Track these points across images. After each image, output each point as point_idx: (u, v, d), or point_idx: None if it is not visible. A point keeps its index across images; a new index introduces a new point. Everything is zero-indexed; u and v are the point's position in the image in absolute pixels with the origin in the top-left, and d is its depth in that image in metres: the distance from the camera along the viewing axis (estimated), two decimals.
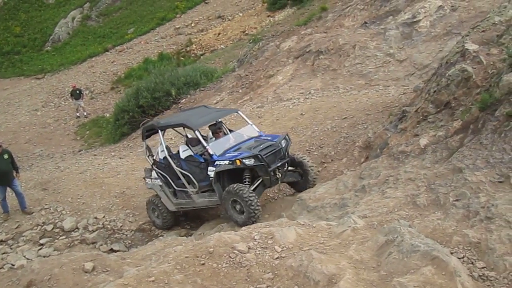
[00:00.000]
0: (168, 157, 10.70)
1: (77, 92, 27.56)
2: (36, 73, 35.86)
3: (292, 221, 6.86)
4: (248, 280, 5.36)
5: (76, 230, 11.76)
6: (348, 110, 13.10)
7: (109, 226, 11.72)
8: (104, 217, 12.00)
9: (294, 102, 15.15)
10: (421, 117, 9.35)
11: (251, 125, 10.81)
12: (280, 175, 9.77)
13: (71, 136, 25.90)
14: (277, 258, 5.60)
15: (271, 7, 30.85)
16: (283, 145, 9.96)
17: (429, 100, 9.30)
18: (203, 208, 11.10)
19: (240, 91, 18.88)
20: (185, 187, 10.54)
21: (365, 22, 17.86)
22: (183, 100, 21.08)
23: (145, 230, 11.60)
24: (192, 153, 10.97)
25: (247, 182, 9.78)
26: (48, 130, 27.06)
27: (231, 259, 5.59)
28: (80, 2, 42.57)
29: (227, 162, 9.63)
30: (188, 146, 11.18)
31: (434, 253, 5.12)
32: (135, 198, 12.67)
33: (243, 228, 6.61)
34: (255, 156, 9.46)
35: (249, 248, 5.74)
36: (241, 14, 33.28)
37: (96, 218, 11.99)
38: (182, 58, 30.62)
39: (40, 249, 11.19)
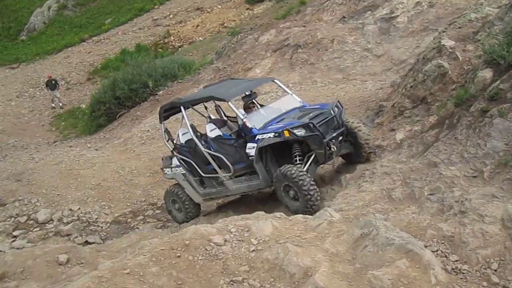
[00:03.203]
0: (195, 138, 9.27)
1: (53, 82, 27.24)
2: (10, 62, 35.19)
3: (268, 214, 6.88)
4: (224, 272, 5.36)
5: (51, 222, 11.60)
6: None
7: (84, 218, 11.60)
8: (79, 209, 11.87)
9: (272, 96, 15.12)
10: (397, 112, 9.43)
11: (291, 94, 9.34)
12: (335, 149, 8.20)
13: (46, 127, 25.56)
14: (253, 250, 5.60)
15: (250, 0, 30.76)
16: (336, 113, 8.46)
17: (406, 95, 9.38)
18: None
19: None
20: (215, 173, 9.14)
21: (344, 17, 17.92)
22: (161, 92, 20.93)
23: (121, 222, 11.51)
24: (221, 133, 9.62)
25: (298, 161, 8.27)
26: (22, 120, 26.67)
27: (207, 252, 5.58)
28: None
29: (272, 134, 8.11)
30: None
31: (409, 247, 5.18)
32: (111, 190, 12.55)
33: (220, 220, 6.59)
34: (306, 126, 7.95)
35: (225, 241, 5.73)
36: (220, 7, 33.12)
37: (71, 210, 11.84)
38: (160, 50, 30.39)
39: (14, 241, 11.01)
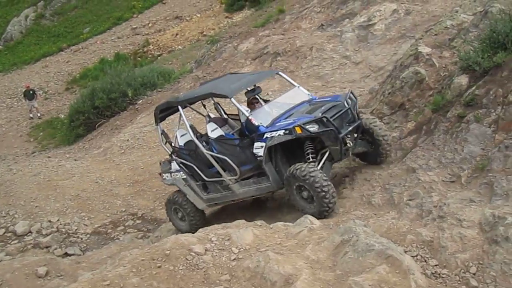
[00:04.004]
0: (195, 140, 8.56)
1: (31, 92, 26.97)
2: None
3: (249, 222, 6.87)
4: (205, 282, 5.33)
5: (29, 234, 11.46)
6: None
7: (63, 230, 11.48)
8: (58, 220, 11.74)
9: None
10: None
11: (298, 87, 8.64)
12: (351, 144, 7.57)
13: (24, 138, 25.27)
14: (234, 259, 5.59)
15: (229, 8, 30.83)
16: (350, 105, 7.79)
17: (384, 102, 9.46)
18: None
19: None
20: (219, 176, 8.44)
21: (322, 25, 18.04)
22: (140, 101, 20.86)
23: (101, 233, 11.41)
24: (223, 133, 8.91)
25: (310, 159, 7.56)
26: (0, 131, 26.33)
27: (188, 261, 5.55)
28: (34, 0, 41.58)
29: (282, 132, 7.38)
30: None
31: (389, 252, 5.21)
32: (91, 201, 12.45)
33: (200, 230, 6.57)
34: (319, 121, 7.25)
35: (206, 250, 5.72)
36: (199, 15, 33.14)
37: (50, 221, 11.72)
38: (139, 59, 30.31)
39: None
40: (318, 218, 6.67)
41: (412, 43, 11.04)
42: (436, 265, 5.56)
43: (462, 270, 5.40)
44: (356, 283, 4.91)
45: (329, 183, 7.16)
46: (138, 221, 11.56)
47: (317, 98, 8.45)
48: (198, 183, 8.85)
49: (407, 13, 15.90)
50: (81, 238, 11.25)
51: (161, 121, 9.44)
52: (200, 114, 10.32)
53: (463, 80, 7.87)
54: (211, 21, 30.96)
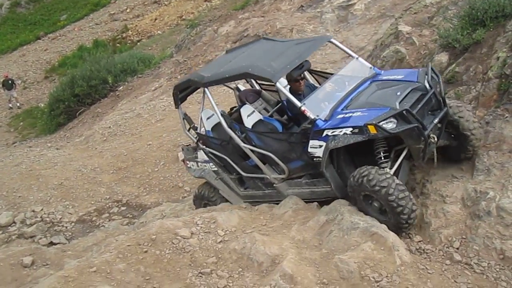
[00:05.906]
0: (232, 133, 6.75)
1: (9, 82, 26.61)
2: None
3: (234, 205, 6.89)
4: (192, 265, 5.35)
5: (13, 224, 11.35)
6: None
7: (48, 219, 11.39)
8: (42, 210, 11.64)
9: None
10: None
11: (357, 58, 6.81)
12: (435, 139, 5.73)
13: (4, 128, 24.99)
14: (220, 242, 5.62)
15: None
16: (433, 86, 5.94)
17: None
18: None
19: (179, 77, 18.69)
20: (260, 171, 6.81)
21: (302, 6, 17.98)
22: (121, 88, 20.70)
23: (86, 221, 11.35)
24: (261, 116, 7.03)
25: (382, 158, 5.85)
26: None
27: (174, 245, 5.56)
28: None
29: (349, 130, 5.59)
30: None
31: (373, 230, 5.26)
32: (74, 189, 12.35)
33: (186, 213, 6.58)
34: (399, 115, 5.45)
35: (192, 234, 5.73)
36: None
37: (33, 211, 11.61)
38: (118, 45, 30.02)
39: None
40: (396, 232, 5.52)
41: (392, 22, 11.08)
42: (420, 241, 5.64)
43: (446, 245, 5.48)
44: (342, 261, 4.96)
45: (407, 193, 5.51)
46: (123, 208, 11.51)
47: (382, 73, 6.68)
48: (233, 177, 7.33)
49: None
50: (66, 227, 11.17)
51: (181, 102, 7.72)
52: (227, 86, 8.58)
53: (443, 57, 7.90)
54: (190, 5, 30.70)
